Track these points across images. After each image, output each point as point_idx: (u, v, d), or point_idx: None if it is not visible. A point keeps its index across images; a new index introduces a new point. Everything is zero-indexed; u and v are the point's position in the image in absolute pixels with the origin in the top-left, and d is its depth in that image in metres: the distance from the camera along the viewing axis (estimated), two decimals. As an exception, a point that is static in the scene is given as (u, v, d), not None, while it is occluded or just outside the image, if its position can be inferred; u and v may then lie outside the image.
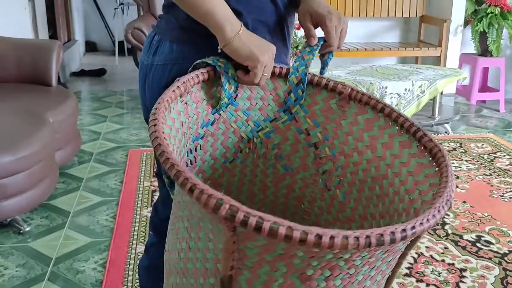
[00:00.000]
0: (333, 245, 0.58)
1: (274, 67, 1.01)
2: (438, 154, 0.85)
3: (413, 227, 0.63)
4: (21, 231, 2.30)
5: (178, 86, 0.88)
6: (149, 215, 2.45)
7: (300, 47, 1.14)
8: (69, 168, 3.00)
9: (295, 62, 1.03)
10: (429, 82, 3.34)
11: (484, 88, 4.76)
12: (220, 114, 1.01)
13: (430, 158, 0.87)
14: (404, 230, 0.62)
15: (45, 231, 2.33)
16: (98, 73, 5.49)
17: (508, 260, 2.11)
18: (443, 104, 4.17)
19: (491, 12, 4.26)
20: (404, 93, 3.30)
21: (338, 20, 1.05)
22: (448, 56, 4.50)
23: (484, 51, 4.51)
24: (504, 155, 3.25)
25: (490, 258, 2.12)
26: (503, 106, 4.55)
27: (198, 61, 0.97)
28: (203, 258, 0.73)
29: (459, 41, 4.59)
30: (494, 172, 2.98)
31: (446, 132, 3.69)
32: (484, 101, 4.70)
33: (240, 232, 0.63)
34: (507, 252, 2.17)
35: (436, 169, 0.84)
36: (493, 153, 3.28)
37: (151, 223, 1.39)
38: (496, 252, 2.17)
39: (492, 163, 3.12)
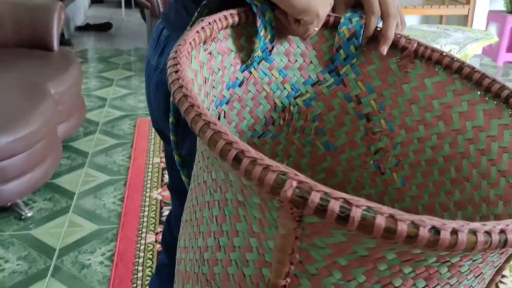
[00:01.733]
0: (456, 244, 0.38)
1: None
2: None
3: None
4: (23, 217, 2.15)
5: (203, 27, 0.65)
6: (159, 197, 2.29)
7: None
8: (73, 140, 2.83)
9: (345, 12, 0.81)
10: (459, 47, 3.09)
11: (511, 47, 4.48)
12: (250, 72, 0.79)
13: None
14: None
15: (48, 216, 2.17)
16: (104, 28, 5.25)
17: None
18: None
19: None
20: (432, 59, 3.07)
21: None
22: (475, 13, 4.20)
23: (515, 8, 4.22)
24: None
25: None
26: (532, 67, 4.29)
27: None
28: (240, 260, 0.51)
29: (488, -3, 4.29)
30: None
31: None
32: (511, 62, 4.44)
33: (308, 223, 0.43)
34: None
35: None
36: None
37: (163, 240, 1.22)
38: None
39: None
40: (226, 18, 0.69)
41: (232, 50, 0.74)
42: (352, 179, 0.91)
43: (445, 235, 0.37)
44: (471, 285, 0.50)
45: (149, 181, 2.43)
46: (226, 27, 0.70)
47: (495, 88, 0.71)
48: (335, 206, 0.37)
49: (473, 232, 0.38)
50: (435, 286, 0.46)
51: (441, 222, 0.37)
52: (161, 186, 2.39)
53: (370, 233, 0.37)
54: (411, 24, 4.02)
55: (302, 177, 0.39)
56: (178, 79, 0.53)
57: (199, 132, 0.45)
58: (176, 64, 0.55)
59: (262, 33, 0.74)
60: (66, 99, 2.57)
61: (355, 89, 0.85)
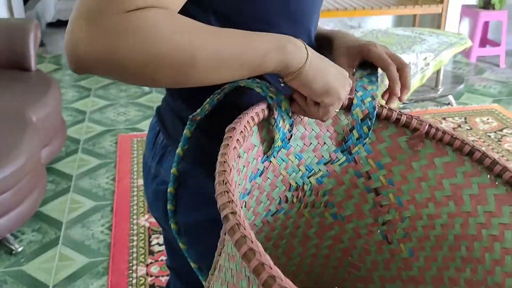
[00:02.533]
0: None
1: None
2: None
3: None
4: (13, 252, 2.16)
5: (238, 140, 0.65)
6: (146, 224, 2.32)
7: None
8: (56, 162, 2.83)
9: (357, 91, 0.82)
10: (434, 54, 3.15)
11: (483, 41, 4.56)
12: (270, 161, 0.80)
13: None
14: None
15: (38, 249, 2.19)
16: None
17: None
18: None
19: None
20: (408, 67, 3.12)
21: (385, 49, 0.85)
22: (449, 10, 4.25)
23: (487, 4, 4.28)
24: (511, 133, 3.13)
25: None
26: (504, 61, 4.38)
27: (231, 86, 0.72)
28: None
29: (460, -7, 4.35)
30: (502, 156, 2.87)
31: (449, 103, 3.54)
32: (484, 56, 4.52)
33: None
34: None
35: None
36: (499, 130, 3.16)
37: None
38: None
39: (500, 144, 3.00)
40: (253, 119, 0.70)
41: (255, 145, 0.74)
42: (358, 246, 0.93)
43: None
44: None
45: (135, 206, 2.46)
46: (251, 128, 0.70)
47: (507, 176, 0.73)
48: None
49: None
50: None
51: None
52: (148, 212, 2.42)
53: None
54: (385, 27, 4.06)
55: None
56: (233, 214, 0.53)
57: (253, 272, 0.48)
58: (230, 202, 0.55)
59: (280, 124, 0.74)
60: (47, 124, 2.56)
61: (366, 166, 0.86)
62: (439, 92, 3.46)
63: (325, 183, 0.88)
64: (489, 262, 0.76)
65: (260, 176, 0.79)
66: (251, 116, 0.70)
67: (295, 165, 0.83)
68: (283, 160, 0.82)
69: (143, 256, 2.15)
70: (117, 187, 2.61)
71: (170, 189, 0.82)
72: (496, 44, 4.45)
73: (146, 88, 3.69)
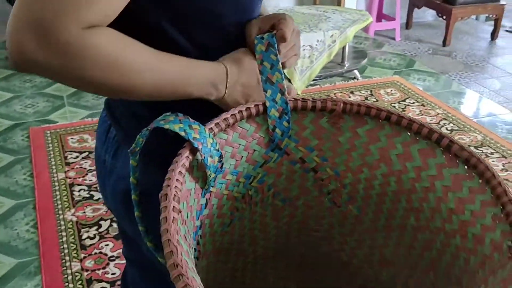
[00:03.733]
0: None
1: (248, 107, 0.83)
2: (473, 160, 0.73)
3: None
4: None
5: (174, 207, 0.66)
6: (74, 219, 2.28)
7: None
8: (-35, 161, 2.67)
9: (265, 91, 0.85)
10: (339, 31, 3.29)
11: (379, 16, 4.81)
12: (210, 191, 0.83)
13: (466, 167, 0.76)
14: None
15: (-40, 255, 2.08)
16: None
17: None
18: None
19: None
20: (316, 45, 3.24)
21: (292, 23, 0.88)
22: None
23: None
24: (413, 102, 3.36)
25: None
26: (399, 34, 4.65)
27: (148, 129, 0.73)
28: None
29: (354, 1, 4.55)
30: (407, 125, 3.08)
31: (355, 78, 3.72)
32: (381, 30, 4.77)
33: None
34: None
35: (480, 181, 0.74)
36: (402, 101, 3.38)
37: None
38: None
39: (405, 113, 3.21)
40: (181, 173, 0.70)
41: (191, 189, 0.75)
42: (311, 215, 0.98)
43: None
44: None
45: (59, 202, 2.40)
46: (184, 175, 0.71)
47: (425, 132, 0.79)
48: None
49: None
50: None
51: None
52: (73, 206, 2.37)
53: None
54: (288, 6, 4.16)
55: None
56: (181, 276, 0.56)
57: None
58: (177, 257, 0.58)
59: (209, 161, 0.76)
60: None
61: (297, 153, 0.91)
62: (345, 67, 3.63)
63: (266, 181, 0.92)
64: (427, 210, 0.83)
65: (205, 208, 0.82)
66: (179, 171, 0.70)
67: (234, 181, 0.87)
68: (222, 183, 0.85)
69: (75, 251, 2.11)
70: (36, 183, 2.52)
71: (133, 196, 0.81)
72: (391, 18, 4.71)
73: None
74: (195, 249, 0.81)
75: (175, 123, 0.72)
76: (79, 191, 2.48)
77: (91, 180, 2.55)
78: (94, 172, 2.61)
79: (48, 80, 3.56)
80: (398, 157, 0.84)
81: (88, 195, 2.45)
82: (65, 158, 2.74)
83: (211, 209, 0.85)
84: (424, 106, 3.32)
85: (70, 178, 2.57)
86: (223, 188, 0.86)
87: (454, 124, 3.12)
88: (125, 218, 0.95)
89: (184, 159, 0.72)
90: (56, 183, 2.52)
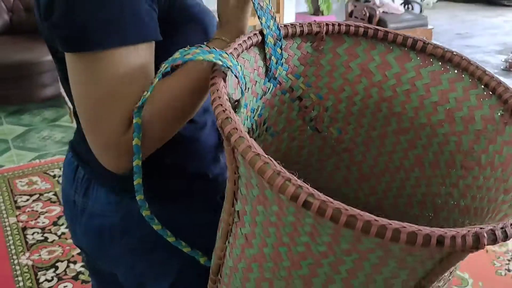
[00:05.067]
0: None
1: (249, 37, 0.82)
2: (447, 54, 0.82)
3: None
4: None
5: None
6: (29, 263, 2.24)
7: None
8: None
9: (260, 18, 0.84)
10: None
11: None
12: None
13: (440, 63, 0.84)
14: None
15: None
16: None
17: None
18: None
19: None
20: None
21: None
22: (285, 19, 4.60)
23: (316, 11, 4.71)
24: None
25: None
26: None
27: (174, 59, 0.72)
28: None
29: (293, 3, 4.71)
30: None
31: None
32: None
33: None
34: None
35: (456, 71, 0.81)
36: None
37: None
38: None
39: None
40: (225, 94, 0.70)
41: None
42: (293, 146, 1.00)
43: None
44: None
45: (12, 246, 2.34)
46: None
47: (400, 40, 0.86)
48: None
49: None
50: None
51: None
52: (28, 250, 2.33)
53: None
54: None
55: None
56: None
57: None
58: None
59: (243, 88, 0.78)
60: None
61: (288, 82, 0.92)
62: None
63: (263, 114, 0.93)
64: (410, 110, 0.88)
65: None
66: (225, 98, 0.69)
67: (245, 114, 0.87)
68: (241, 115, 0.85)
69: (33, 295, 2.07)
70: (-13, 231, 2.46)
71: (137, 181, 0.80)
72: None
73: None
74: None
75: (206, 54, 0.72)
76: (32, 234, 2.43)
77: (44, 223, 2.51)
78: (47, 214, 2.58)
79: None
80: (378, 68, 0.89)
81: (42, 238, 2.40)
82: (15, 202, 2.69)
83: None
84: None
85: (22, 221, 2.51)
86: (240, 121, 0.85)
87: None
88: (100, 253, 0.98)
89: (223, 88, 0.70)
90: (8, 228, 2.46)
